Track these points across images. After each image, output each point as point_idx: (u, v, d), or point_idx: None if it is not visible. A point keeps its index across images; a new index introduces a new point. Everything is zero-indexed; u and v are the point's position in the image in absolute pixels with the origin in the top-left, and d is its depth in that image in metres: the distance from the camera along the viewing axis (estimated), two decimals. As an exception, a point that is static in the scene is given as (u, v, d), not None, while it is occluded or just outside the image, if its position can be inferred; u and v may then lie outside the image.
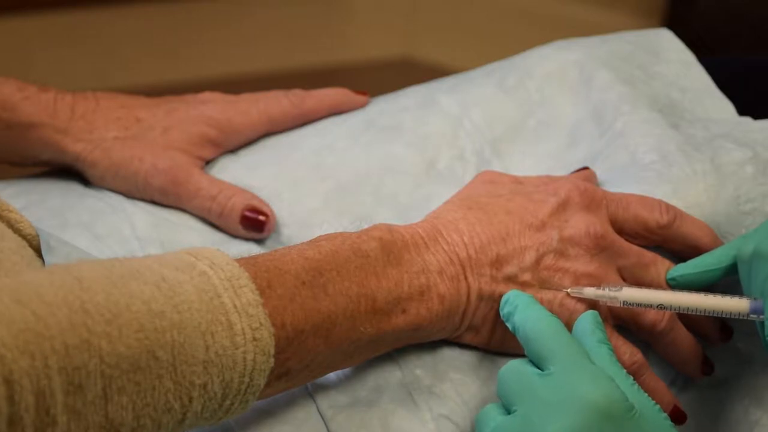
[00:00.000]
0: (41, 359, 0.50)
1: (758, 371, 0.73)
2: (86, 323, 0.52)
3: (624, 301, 0.67)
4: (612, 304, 0.68)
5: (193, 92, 0.85)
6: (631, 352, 0.69)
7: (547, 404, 0.59)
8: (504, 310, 0.66)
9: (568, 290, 0.68)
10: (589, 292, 0.68)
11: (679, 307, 0.67)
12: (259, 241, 0.79)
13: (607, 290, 0.68)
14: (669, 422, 0.61)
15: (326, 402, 0.67)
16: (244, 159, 0.83)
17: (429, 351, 0.70)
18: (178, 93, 0.86)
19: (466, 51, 2.12)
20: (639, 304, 0.68)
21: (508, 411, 0.62)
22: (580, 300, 0.68)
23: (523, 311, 0.65)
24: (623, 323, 0.70)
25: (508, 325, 0.66)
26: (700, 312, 0.67)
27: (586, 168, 0.77)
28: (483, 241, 0.68)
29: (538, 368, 0.62)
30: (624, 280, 0.70)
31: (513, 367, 0.63)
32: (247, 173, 0.81)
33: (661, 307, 0.68)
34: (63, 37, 2.11)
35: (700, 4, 1.97)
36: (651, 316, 0.69)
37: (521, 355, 0.65)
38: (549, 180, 0.74)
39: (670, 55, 0.86)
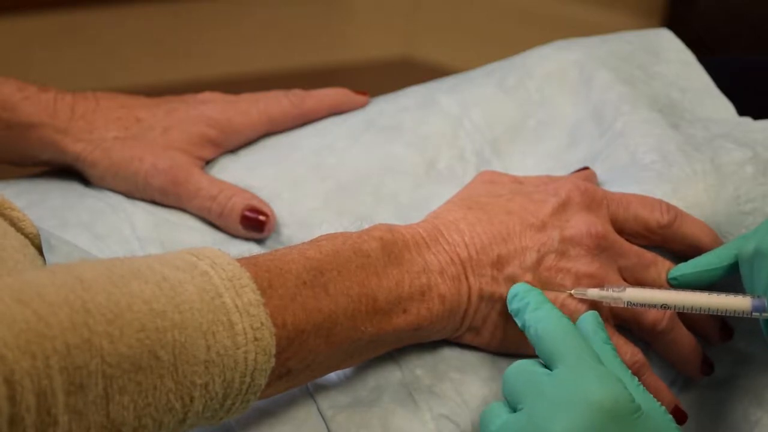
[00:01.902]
0: (42, 359, 0.50)
1: (758, 371, 0.73)
2: (87, 323, 0.52)
3: (628, 302, 0.67)
4: (616, 305, 0.68)
5: (193, 92, 0.85)
6: (632, 351, 0.69)
7: (554, 403, 0.59)
8: (513, 305, 0.66)
9: (572, 291, 0.68)
10: (593, 293, 0.68)
11: (683, 307, 0.67)
12: (259, 241, 0.79)
13: (610, 291, 0.68)
14: (674, 424, 0.60)
15: (326, 402, 0.67)
16: (244, 159, 0.83)
17: (429, 351, 0.70)
18: (178, 93, 0.86)
19: (466, 51, 2.12)
20: (643, 305, 0.68)
21: (513, 409, 0.62)
22: (582, 300, 0.68)
23: (534, 310, 0.64)
24: (624, 323, 0.70)
25: (517, 321, 0.66)
26: (704, 311, 0.67)
27: (586, 168, 0.77)
28: (484, 242, 0.68)
29: (547, 368, 0.62)
30: (624, 280, 0.70)
31: (521, 365, 0.62)
32: (247, 173, 0.81)
33: (664, 306, 0.68)
34: (63, 37, 2.11)
35: (700, 4, 1.97)
36: (652, 315, 0.69)
37: (521, 356, 0.65)
38: (549, 180, 0.74)
39: (670, 55, 0.86)
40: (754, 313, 0.66)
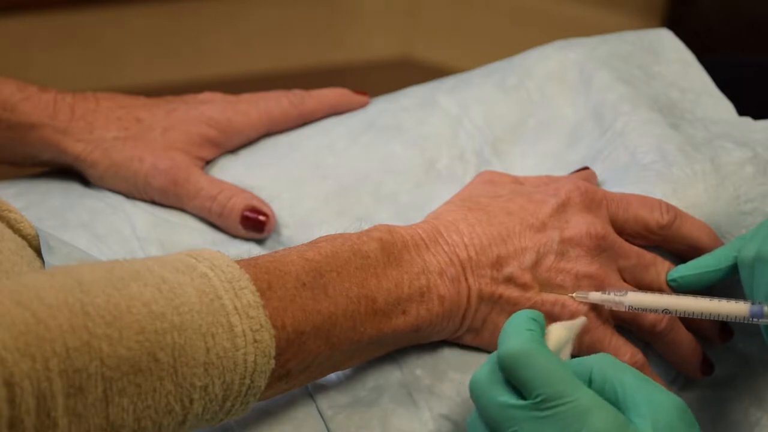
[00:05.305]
0: (42, 362, 0.50)
1: (758, 371, 0.73)
2: (87, 325, 0.52)
3: (629, 306, 0.67)
4: (617, 309, 0.68)
5: (193, 92, 0.85)
6: (632, 352, 0.69)
7: None
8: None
9: (573, 295, 0.68)
10: (594, 296, 0.68)
11: (684, 312, 0.67)
12: (259, 242, 0.79)
13: (612, 295, 0.67)
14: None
15: (326, 402, 0.67)
16: (244, 159, 0.83)
17: (429, 351, 0.70)
18: (178, 93, 0.86)
19: (466, 51, 2.12)
20: (644, 309, 0.67)
21: None
22: (582, 303, 0.68)
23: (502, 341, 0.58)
24: (623, 323, 0.70)
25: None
26: (705, 316, 0.67)
27: (586, 168, 0.77)
28: (483, 242, 0.68)
29: (522, 398, 0.57)
30: (624, 280, 0.70)
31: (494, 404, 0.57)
32: (247, 173, 0.81)
33: (665, 311, 0.67)
34: (63, 37, 2.11)
35: (700, 3, 1.97)
36: (651, 316, 0.69)
37: None
38: (549, 180, 0.74)
39: (669, 55, 0.86)
40: (753, 319, 0.66)
